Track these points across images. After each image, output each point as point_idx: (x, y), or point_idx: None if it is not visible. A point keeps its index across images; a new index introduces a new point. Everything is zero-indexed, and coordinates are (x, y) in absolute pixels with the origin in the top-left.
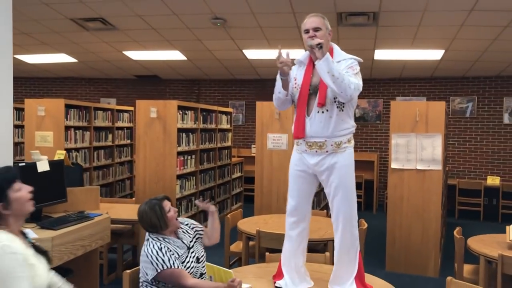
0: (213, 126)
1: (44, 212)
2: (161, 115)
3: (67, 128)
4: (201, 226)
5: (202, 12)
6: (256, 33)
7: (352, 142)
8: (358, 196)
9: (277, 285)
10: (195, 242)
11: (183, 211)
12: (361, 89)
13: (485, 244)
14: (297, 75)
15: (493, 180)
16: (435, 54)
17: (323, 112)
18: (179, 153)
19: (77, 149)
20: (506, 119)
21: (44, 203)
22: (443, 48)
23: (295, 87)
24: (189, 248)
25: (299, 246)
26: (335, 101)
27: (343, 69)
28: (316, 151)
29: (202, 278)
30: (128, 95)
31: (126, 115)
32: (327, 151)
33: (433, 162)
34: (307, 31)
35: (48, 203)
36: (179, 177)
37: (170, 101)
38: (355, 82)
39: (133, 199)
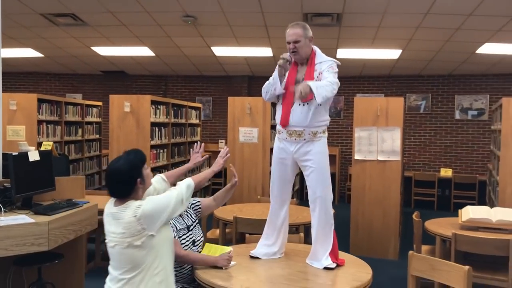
0: (183, 120)
1: (33, 200)
2: (135, 109)
3: (39, 122)
4: (197, 200)
5: (173, 10)
6: (226, 31)
7: (326, 133)
8: None
9: (251, 253)
10: (195, 226)
11: None
12: (338, 86)
13: (440, 226)
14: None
15: (445, 172)
16: (393, 54)
17: (303, 105)
18: (152, 147)
19: None
20: (457, 115)
21: (34, 191)
22: (400, 48)
23: (284, 82)
24: (188, 230)
25: (281, 225)
26: (315, 97)
27: (324, 69)
28: (295, 139)
29: (194, 246)
30: (94, 91)
31: (95, 110)
32: (304, 139)
33: (393, 153)
34: (288, 43)
35: (38, 191)
36: (152, 170)
37: (143, 96)
38: (332, 80)
39: None
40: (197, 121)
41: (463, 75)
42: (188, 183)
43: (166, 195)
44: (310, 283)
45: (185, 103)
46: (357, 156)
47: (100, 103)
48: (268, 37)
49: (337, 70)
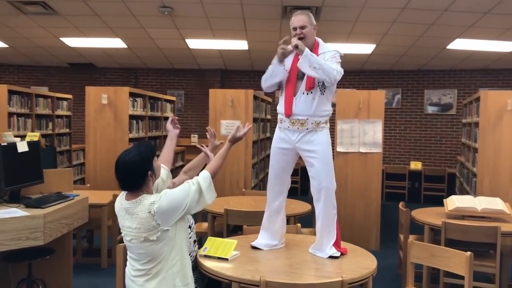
0: (159, 114)
1: (20, 193)
2: (112, 101)
3: (10, 114)
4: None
5: (150, 0)
6: (202, 23)
7: (328, 124)
8: (295, 182)
9: (253, 244)
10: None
11: None
12: (342, 73)
13: (427, 215)
14: (287, 60)
15: (415, 165)
16: (366, 48)
17: (307, 94)
18: (130, 140)
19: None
20: (426, 109)
21: (23, 184)
22: (374, 42)
23: (284, 71)
24: (190, 229)
25: (279, 215)
26: (319, 85)
27: (327, 59)
28: (298, 128)
29: (194, 245)
30: (61, 83)
31: (65, 103)
32: (307, 129)
33: (374, 146)
34: (294, 29)
35: (27, 183)
36: None
37: (121, 88)
38: (337, 68)
39: (88, 185)
40: (171, 115)
41: (432, 70)
42: (204, 175)
43: (182, 190)
44: (320, 272)
45: (160, 95)
46: (339, 149)
47: (70, 96)
48: (245, 30)
49: (340, 60)
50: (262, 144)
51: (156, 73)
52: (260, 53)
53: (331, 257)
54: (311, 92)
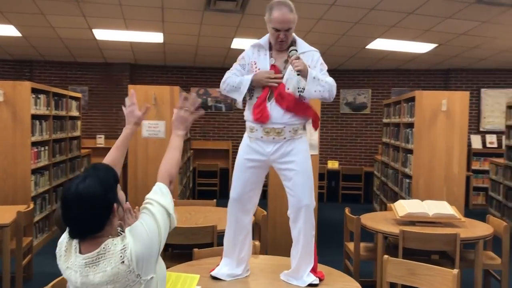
0: (63, 113)
1: None
2: (10, 98)
3: None
4: None
5: None
6: (114, 11)
7: (306, 130)
8: (213, 185)
9: (213, 274)
10: None
11: (37, 211)
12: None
13: (377, 222)
14: (256, 59)
15: (332, 164)
16: None
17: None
18: (32, 144)
19: None
20: (342, 109)
21: None
22: None
23: (255, 71)
24: None
25: (246, 239)
26: (298, 89)
27: (315, 65)
28: (274, 138)
29: None
30: None
31: None
32: (284, 138)
33: (311, 147)
34: (277, 30)
35: None
36: (33, 171)
37: (22, 82)
38: (334, 83)
39: None
40: (77, 113)
41: (348, 70)
42: (161, 190)
43: (147, 220)
44: None
45: (66, 92)
46: None
47: None
48: (162, 21)
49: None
50: (187, 145)
51: (56, 67)
52: (176, 47)
53: (310, 285)
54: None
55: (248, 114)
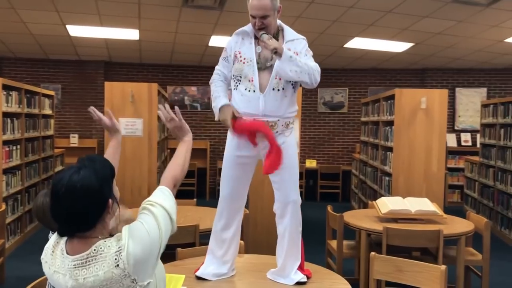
0: (36, 111)
1: None
2: None
3: None
4: None
5: None
6: (89, 6)
7: (295, 122)
8: (191, 185)
9: (198, 274)
10: None
11: (9, 212)
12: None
13: (359, 220)
14: (241, 48)
15: (311, 163)
16: None
17: (278, 90)
18: (4, 143)
19: None
20: (320, 108)
21: None
22: None
23: (242, 61)
24: None
25: (234, 238)
26: (290, 81)
27: (301, 53)
28: None
29: None
30: None
31: None
32: (277, 132)
33: None
34: (253, 17)
35: None
36: (5, 171)
37: None
38: (317, 67)
39: None
40: (50, 112)
41: (326, 69)
42: (163, 193)
43: (148, 221)
44: None
45: (38, 89)
46: None
47: None
48: (138, 17)
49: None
50: (165, 144)
51: (26, 64)
52: (152, 44)
53: (298, 283)
54: (283, 89)
55: (236, 106)
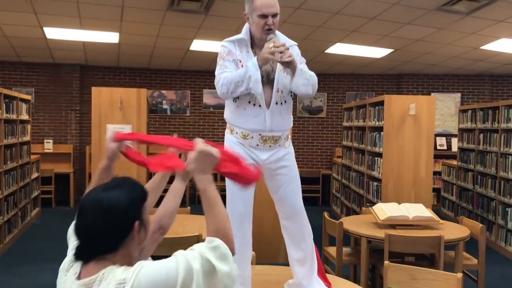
0: (14, 116)
1: None
2: None
3: None
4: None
5: None
6: (70, 8)
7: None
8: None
9: None
10: None
11: None
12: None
13: (358, 226)
14: (241, 58)
15: None
16: None
17: (281, 103)
18: None
19: None
20: (299, 112)
21: None
22: None
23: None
24: None
25: (249, 252)
26: (290, 92)
27: (296, 59)
28: (270, 146)
29: None
30: None
31: None
32: (279, 145)
33: None
34: (263, 16)
35: None
36: None
37: None
38: (315, 74)
39: None
40: (27, 117)
41: None
42: (209, 242)
43: (168, 263)
44: None
45: (16, 94)
46: None
47: None
48: (120, 20)
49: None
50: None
51: None
52: (131, 48)
53: None
54: (285, 102)
55: (238, 121)
